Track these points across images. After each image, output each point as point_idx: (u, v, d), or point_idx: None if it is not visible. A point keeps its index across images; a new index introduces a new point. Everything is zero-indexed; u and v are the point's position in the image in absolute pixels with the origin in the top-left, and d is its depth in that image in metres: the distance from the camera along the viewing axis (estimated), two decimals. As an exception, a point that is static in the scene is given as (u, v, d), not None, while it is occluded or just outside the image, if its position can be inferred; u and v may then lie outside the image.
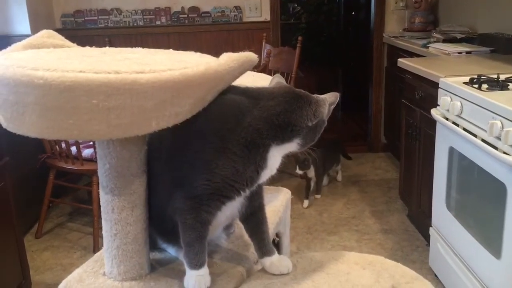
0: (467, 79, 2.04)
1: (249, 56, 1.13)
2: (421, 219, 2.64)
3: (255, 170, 1.11)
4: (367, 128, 4.20)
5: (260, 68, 2.97)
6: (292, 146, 1.15)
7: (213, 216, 1.16)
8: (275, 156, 1.14)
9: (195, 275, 1.17)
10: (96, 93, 0.94)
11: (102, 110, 0.95)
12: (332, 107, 1.20)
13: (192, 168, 1.12)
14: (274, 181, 1.24)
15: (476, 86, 1.95)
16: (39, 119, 0.97)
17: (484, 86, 1.94)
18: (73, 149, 2.64)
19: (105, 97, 0.94)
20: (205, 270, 1.18)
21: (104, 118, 0.96)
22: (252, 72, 1.67)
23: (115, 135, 1.01)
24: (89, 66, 0.97)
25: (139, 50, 1.23)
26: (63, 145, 2.64)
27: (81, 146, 2.67)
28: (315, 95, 1.17)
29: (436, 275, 2.27)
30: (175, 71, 1.00)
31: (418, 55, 3.06)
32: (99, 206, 1.23)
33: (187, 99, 1.03)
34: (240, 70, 1.13)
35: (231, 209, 1.19)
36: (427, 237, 2.47)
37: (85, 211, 3.05)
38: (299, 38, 3.38)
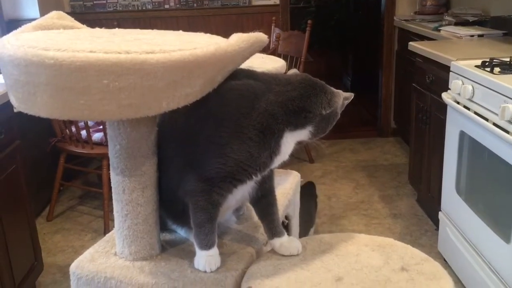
0: (479, 62, 2.02)
1: (259, 36, 1.12)
2: (430, 204, 2.63)
3: (268, 156, 1.12)
4: (377, 113, 4.17)
5: (269, 52, 2.96)
6: (304, 134, 1.16)
7: (224, 199, 1.17)
8: (288, 143, 1.15)
9: (205, 255, 1.18)
10: (107, 73, 0.94)
11: (112, 90, 0.96)
12: (346, 102, 1.21)
13: (206, 152, 1.12)
14: (283, 165, 1.24)
15: (488, 69, 1.92)
16: (50, 99, 0.97)
17: (496, 69, 1.91)
18: (83, 133, 2.66)
19: (116, 77, 0.95)
20: (215, 251, 1.19)
21: (115, 98, 0.97)
22: (262, 54, 1.67)
23: (125, 115, 1.01)
24: (99, 46, 0.97)
25: (148, 31, 1.23)
26: (73, 129, 2.66)
27: (91, 130, 2.68)
28: (331, 87, 1.18)
29: (445, 259, 2.27)
30: (185, 51, 1.00)
31: (429, 39, 3.02)
32: (109, 190, 1.24)
33: (197, 79, 1.03)
34: (250, 51, 1.12)
35: (242, 192, 1.20)
36: (436, 222, 2.46)
37: (96, 194, 3.07)
38: (309, 21, 3.34)
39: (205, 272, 1.18)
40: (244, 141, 1.09)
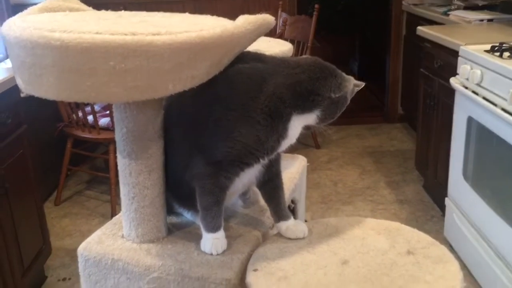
0: (488, 47, 1.99)
1: (266, 18, 1.11)
2: (437, 190, 2.63)
3: (276, 140, 1.12)
4: (384, 98, 4.15)
5: (275, 36, 2.94)
6: (311, 118, 1.14)
7: (231, 182, 1.17)
8: (296, 127, 1.14)
9: (211, 238, 1.19)
10: (113, 55, 0.94)
11: (118, 72, 0.95)
12: (357, 89, 1.20)
13: (213, 135, 1.12)
14: (289, 150, 1.24)
15: (498, 54, 1.90)
16: (57, 81, 0.97)
17: (506, 54, 1.89)
18: (90, 118, 2.66)
19: (122, 59, 0.94)
20: (221, 234, 1.20)
21: (121, 80, 0.96)
22: (268, 38, 1.65)
23: (132, 98, 1.01)
24: (105, 28, 0.97)
25: (155, 14, 1.22)
26: (80, 114, 2.66)
27: (97, 115, 2.69)
28: (342, 72, 1.17)
29: (451, 245, 2.27)
30: (192, 33, 0.99)
31: (438, 23, 2.98)
32: (116, 175, 1.25)
33: (203, 61, 1.03)
34: (257, 33, 1.11)
35: (249, 176, 1.20)
36: (442, 208, 2.46)
37: (103, 179, 3.09)
38: (316, 6, 3.31)
39: (211, 254, 1.19)
40: (252, 125, 1.09)
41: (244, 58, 1.15)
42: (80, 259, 1.23)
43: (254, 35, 1.11)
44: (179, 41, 0.98)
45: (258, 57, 1.16)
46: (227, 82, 1.11)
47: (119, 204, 1.25)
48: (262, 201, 1.34)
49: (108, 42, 0.93)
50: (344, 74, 1.16)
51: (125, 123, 1.15)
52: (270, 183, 1.25)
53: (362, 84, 1.20)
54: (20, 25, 0.99)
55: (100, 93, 0.98)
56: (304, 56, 1.24)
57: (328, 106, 1.13)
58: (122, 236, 1.27)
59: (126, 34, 0.94)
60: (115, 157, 1.22)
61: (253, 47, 1.18)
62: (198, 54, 1.01)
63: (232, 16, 1.14)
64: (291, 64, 1.13)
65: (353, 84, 1.17)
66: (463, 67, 2.05)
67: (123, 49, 0.94)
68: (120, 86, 0.97)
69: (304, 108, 1.12)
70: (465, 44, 2.13)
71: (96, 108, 2.76)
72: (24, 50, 0.98)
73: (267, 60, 1.15)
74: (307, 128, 1.18)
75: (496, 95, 1.81)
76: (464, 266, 2.09)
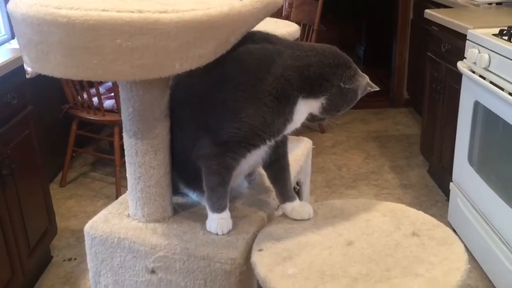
0: (496, 30, 1.97)
1: (274, -3, 1.10)
2: (441, 174, 2.62)
3: (282, 123, 1.12)
4: (390, 83, 4.12)
5: (282, 18, 2.91)
6: (317, 105, 1.13)
7: (237, 163, 1.17)
8: (301, 112, 1.13)
9: (217, 218, 1.19)
10: (120, 32, 0.93)
11: (125, 50, 0.95)
12: (369, 89, 1.17)
13: (221, 116, 1.12)
14: (295, 133, 1.24)
15: (506, 38, 1.88)
16: (64, 58, 0.97)
17: (515, 37, 1.87)
18: (95, 100, 2.66)
19: (129, 36, 0.94)
20: (226, 214, 1.21)
21: (128, 58, 0.96)
22: (275, 19, 1.64)
23: (138, 76, 1.01)
24: (112, 5, 0.96)
25: (161, -8, 1.21)
26: (85, 96, 2.66)
27: (102, 97, 2.69)
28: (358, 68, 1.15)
29: (454, 230, 2.27)
30: (199, 11, 0.99)
31: (446, 6, 2.95)
32: (121, 157, 1.25)
33: (210, 40, 1.02)
34: (265, 12, 1.10)
35: (255, 157, 1.20)
36: (446, 193, 2.46)
37: (107, 161, 3.10)
38: (323, -11, 3.27)
39: (217, 234, 1.19)
40: (259, 107, 1.08)
41: (255, 38, 1.14)
42: (86, 238, 1.25)
43: (261, 14, 1.10)
44: (186, 19, 0.97)
45: (269, 38, 1.15)
46: (236, 63, 1.10)
47: (124, 186, 1.26)
48: (267, 182, 1.34)
49: (114, 20, 0.93)
50: (358, 69, 1.14)
51: (131, 102, 1.15)
52: (277, 164, 1.25)
53: (376, 88, 1.18)
54: (26, 2, 0.99)
55: (107, 71, 0.98)
56: (322, 44, 1.21)
57: (336, 95, 1.11)
58: (128, 216, 1.28)
59: (132, 12, 0.94)
60: (120, 139, 1.23)
61: (260, 27, 1.17)
62: (205, 33, 1.01)
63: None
64: (305, 47, 1.12)
65: (366, 82, 1.15)
66: (470, 51, 2.03)
67: (130, 26, 0.93)
68: (127, 64, 0.97)
69: (310, 93, 1.10)
70: (473, 28, 2.10)
71: (101, 90, 2.76)
72: (30, 27, 0.97)
73: (278, 41, 1.14)
74: (312, 118, 1.16)
75: (504, 79, 1.80)
76: (467, 250, 2.09)
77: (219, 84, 1.12)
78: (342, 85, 1.10)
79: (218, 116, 1.13)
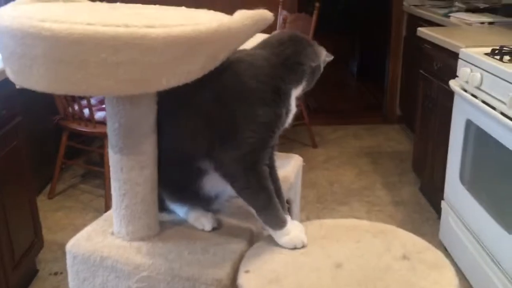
0: (488, 50, 1.98)
1: (264, 14, 1.09)
2: (433, 192, 2.61)
3: (285, 114, 1.19)
4: (383, 99, 4.13)
5: (275, 34, 2.91)
6: (300, 89, 1.22)
7: (266, 166, 1.18)
8: (293, 99, 1.21)
9: (289, 233, 1.18)
10: (105, 47, 0.91)
11: (110, 64, 0.93)
12: (328, 59, 1.28)
13: (233, 125, 1.13)
14: (286, 149, 1.23)
15: (498, 57, 1.88)
16: (47, 72, 0.94)
17: (506, 57, 1.87)
18: (86, 111, 2.63)
19: (114, 51, 0.92)
20: (292, 223, 1.20)
21: (113, 73, 0.94)
22: (266, 35, 1.62)
23: (124, 91, 0.99)
24: (98, 19, 0.94)
25: (150, 7, 1.20)
26: (76, 107, 2.63)
27: (93, 108, 2.66)
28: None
29: (446, 249, 2.25)
30: (187, 26, 0.97)
31: (438, 25, 2.96)
32: (111, 169, 1.22)
33: (199, 56, 1.00)
34: (255, 29, 1.09)
35: None
36: (438, 210, 2.44)
37: (97, 173, 3.06)
38: (317, 4, 3.28)
39: (302, 247, 1.17)
40: (267, 103, 1.13)
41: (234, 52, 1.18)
42: (68, 256, 1.21)
43: (251, 31, 1.09)
44: (174, 34, 0.95)
45: (241, 51, 1.19)
46: (232, 72, 1.13)
47: (113, 198, 1.23)
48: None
49: (100, 34, 0.91)
50: (316, 43, 1.25)
51: (118, 117, 1.13)
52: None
53: (331, 57, 1.28)
54: (10, 14, 0.97)
55: (91, 86, 0.95)
56: (277, 31, 1.29)
57: (310, 75, 1.22)
58: (112, 233, 1.25)
59: (118, 26, 0.92)
60: (110, 151, 1.20)
61: (250, 44, 1.16)
62: (193, 49, 0.99)
63: (231, 13, 1.11)
64: (275, 44, 1.19)
65: (324, 54, 1.26)
66: (463, 70, 2.03)
67: (115, 41, 0.91)
68: (112, 79, 0.94)
69: (297, 81, 1.19)
70: (465, 47, 2.11)
71: (93, 101, 2.73)
72: (14, 40, 0.95)
73: (252, 49, 1.20)
74: (298, 99, 1.25)
75: (496, 98, 1.79)
76: (458, 270, 2.07)
77: (221, 96, 1.13)
78: (312, 64, 1.21)
79: (229, 126, 1.13)
